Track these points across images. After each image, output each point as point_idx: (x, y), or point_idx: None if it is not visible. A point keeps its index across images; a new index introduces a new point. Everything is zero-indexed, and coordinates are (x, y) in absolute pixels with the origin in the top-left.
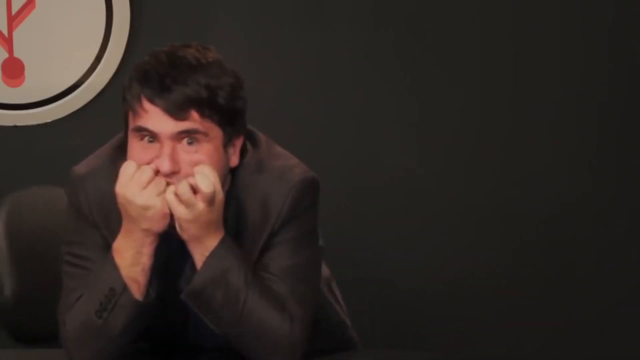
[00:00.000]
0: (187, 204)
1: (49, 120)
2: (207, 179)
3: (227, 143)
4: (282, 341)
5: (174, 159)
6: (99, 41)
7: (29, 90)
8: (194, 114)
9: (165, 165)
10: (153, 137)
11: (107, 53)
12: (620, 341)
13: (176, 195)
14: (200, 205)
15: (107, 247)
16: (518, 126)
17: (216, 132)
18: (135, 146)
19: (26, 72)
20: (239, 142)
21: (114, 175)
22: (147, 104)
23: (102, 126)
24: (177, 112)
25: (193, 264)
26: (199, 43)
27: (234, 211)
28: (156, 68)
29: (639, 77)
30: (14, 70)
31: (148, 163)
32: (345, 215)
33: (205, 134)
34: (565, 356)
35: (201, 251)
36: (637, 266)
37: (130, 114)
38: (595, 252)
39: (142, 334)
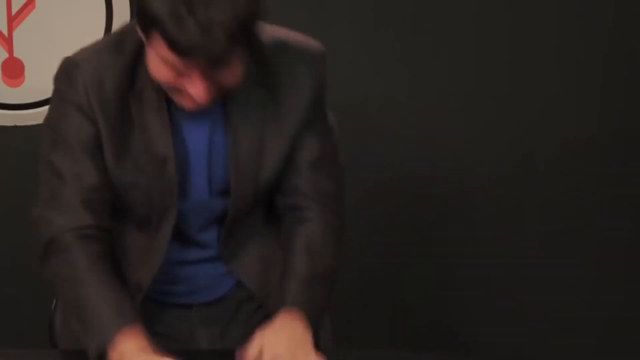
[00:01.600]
0: None
1: None
2: None
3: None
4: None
5: (207, 86)
6: None
7: (29, 90)
8: (227, 56)
9: (201, 98)
10: (181, 68)
11: None
12: (626, 338)
13: None
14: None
15: (93, 138)
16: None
17: (244, 50)
18: (162, 69)
19: (26, 72)
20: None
21: (113, 69)
22: (175, 52)
23: None
24: (214, 62)
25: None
26: None
27: (267, 87)
28: (183, 12)
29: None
30: (14, 70)
31: (175, 83)
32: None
33: (235, 58)
34: (568, 355)
35: None
36: None
37: (154, 41)
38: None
39: None
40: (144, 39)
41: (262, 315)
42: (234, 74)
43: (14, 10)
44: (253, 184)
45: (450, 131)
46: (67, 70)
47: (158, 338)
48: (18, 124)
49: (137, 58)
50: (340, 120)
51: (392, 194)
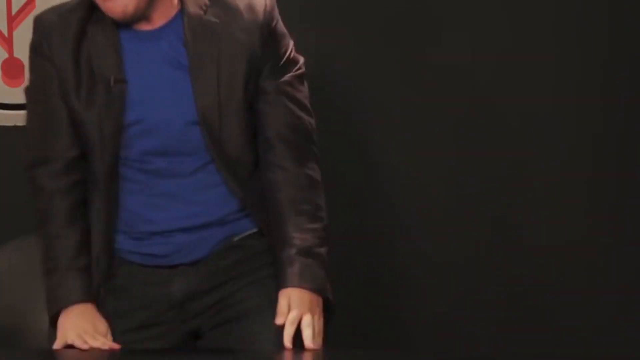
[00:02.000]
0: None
1: None
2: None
3: None
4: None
5: None
6: None
7: None
8: None
9: None
10: None
11: None
12: (622, 339)
13: None
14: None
15: (55, 79)
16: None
17: None
18: None
19: (26, 72)
20: None
21: (75, 7)
22: None
23: None
24: None
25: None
26: None
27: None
28: None
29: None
30: (14, 70)
31: None
32: (343, 214)
33: None
34: (567, 356)
35: None
36: None
37: None
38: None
39: None
40: None
41: (246, 266)
42: None
43: (14, 10)
44: (215, 88)
45: (447, 137)
46: (34, 26)
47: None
48: (18, 124)
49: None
50: (339, 119)
51: (392, 194)
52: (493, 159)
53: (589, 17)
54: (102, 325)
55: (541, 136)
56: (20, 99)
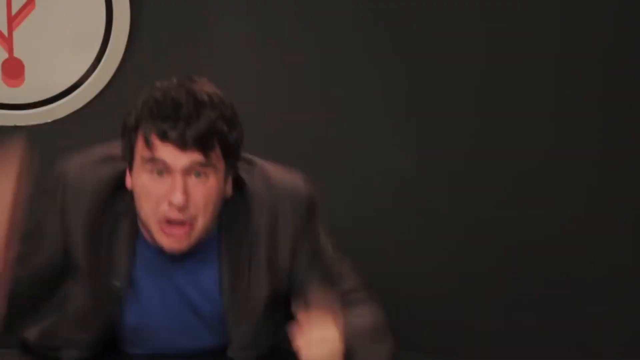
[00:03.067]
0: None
1: (49, 120)
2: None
3: (227, 174)
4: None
5: (186, 191)
6: (99, 41)
7: (29, 90)
8: (206, 148)
9: (178, 198)
10: (163, 170)
11: (107, 53)
12: (620, 340)
13: None
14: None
15: (60, 247)
16: (516, 125)
17: (221, 165)
18: (146, 179)
19: (26, 72)
20: (233, 173)
21: (92, 192)
22: (161, 138)
23: (102, 126)
24: (190, 145)
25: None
26: (199, 77)
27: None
28: (168, 103)
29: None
30: (14, 70)
31: (161, 197)
32: (344, 215)
33: (214, 167)
34: (563, 356)
35: None
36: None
37: (140, 146)
38: (591, 252)
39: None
40: (129, 166)
41: None
42: (209, 184)
43: (14, 10)
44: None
45: (448, 131)
46: (56, 178)
47: None
48: (18, 124)
49: (118, 187)
50: (341, 120)
51: (391, 193)
52: (486, 161)
53: (591, 17)
54: None
55: (541, 138)
56: (20, 99)
